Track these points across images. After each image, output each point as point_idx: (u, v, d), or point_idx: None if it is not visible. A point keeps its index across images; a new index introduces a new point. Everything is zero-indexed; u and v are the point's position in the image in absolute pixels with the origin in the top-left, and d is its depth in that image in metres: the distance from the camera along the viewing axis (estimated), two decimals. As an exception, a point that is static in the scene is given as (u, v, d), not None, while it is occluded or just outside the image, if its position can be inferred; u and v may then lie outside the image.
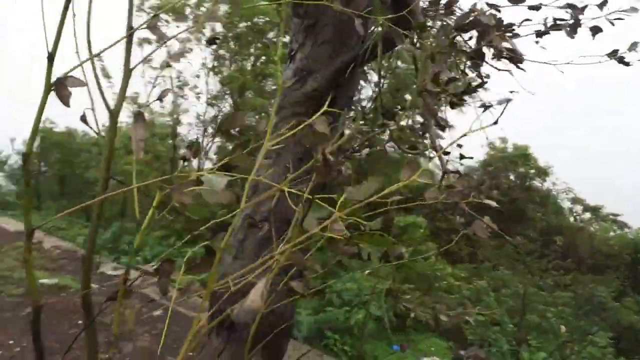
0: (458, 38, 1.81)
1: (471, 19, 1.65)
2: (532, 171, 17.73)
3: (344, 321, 6.87)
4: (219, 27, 13.05)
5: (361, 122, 2.55)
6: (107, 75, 9.90)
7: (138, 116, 1.17)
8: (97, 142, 19.85)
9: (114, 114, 1.24)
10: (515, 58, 1.67)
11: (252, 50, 13.38)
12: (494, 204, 1.31)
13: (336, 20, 1.96)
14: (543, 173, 17.86)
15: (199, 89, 13.99)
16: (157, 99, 1.23)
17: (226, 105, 14.03)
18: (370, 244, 1.04)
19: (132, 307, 1.24)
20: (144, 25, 1.12)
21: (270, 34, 12.76)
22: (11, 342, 4.21)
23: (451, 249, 12.06)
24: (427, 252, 8.97)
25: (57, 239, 9.14)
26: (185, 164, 1.05)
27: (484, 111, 1.43)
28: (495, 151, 18.10)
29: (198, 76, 13.80)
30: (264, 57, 13.04)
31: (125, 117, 15.81)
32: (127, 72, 1.24)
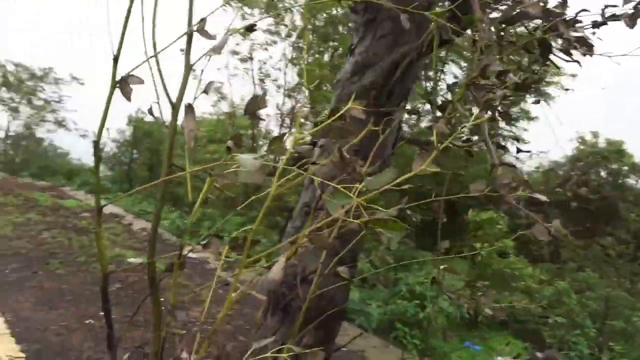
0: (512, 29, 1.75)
1: (518, 11, 1.57)
2: (626, 168, 16.42)
3: (414, 314, 6.81)
4: (298, 20, 13.29)
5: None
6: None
7: (188, 109, 1.25)
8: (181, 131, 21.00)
9: (175, 107, 1.33)
10: (585, 48, 1.57)
11: (330, 42, 13.51)
12: (543, 198, 1.26)
13: (394, 14, 1.95)
14: (639, 170, 16.48)
15: (279, 81, 14.39)
16: (203, 92, 1.33)
17: (302, 97, 14.30)
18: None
19: (208, 288, 1.34)
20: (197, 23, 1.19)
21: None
22: (101, 313, 4.61)
23: (532, 247, 11.50)
24: (504, 249, 8.65)
25: (144, 222, 9.79)
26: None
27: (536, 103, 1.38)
28: (585, 146, 16.95)
29: (279, 68, 14.20)
30: (340, 49, 13.10)
31: (207, 107, 16.59)
32: (188, 67, 1.33)
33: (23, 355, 3.72)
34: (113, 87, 1.13)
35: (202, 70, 1.37)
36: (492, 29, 1.65)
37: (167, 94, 1.30)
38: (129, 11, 1.18)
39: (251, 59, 14.38)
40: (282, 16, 13.27)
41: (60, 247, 6.52)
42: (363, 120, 1.95)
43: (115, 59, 1.15)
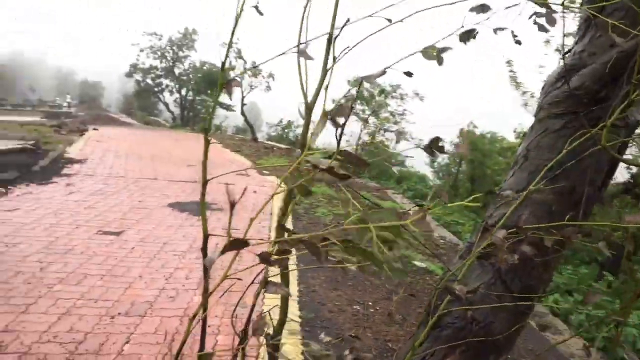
0: None
1: None
2: None
3: None
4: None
5: None
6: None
7: (323, 115, 1.34)
8: (510, 147, 20.45)
9: (308, 107, 1.45)
10: None
11: None
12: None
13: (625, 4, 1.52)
14: None
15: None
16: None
17: None
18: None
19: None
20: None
21: None
22: (370, 302, 5.07)
23: None
24: None
25: (448, 232, 10.05)
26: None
27: None
28: None
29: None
30: None
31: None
32: (324, 72, 1.43)
33: (299, 320, 4.49)
34: (220, 89, 1.34)
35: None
36: None
37: (304, 95, 1.44)
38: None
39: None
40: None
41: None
42: (561, 133, 1.65)
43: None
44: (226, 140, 23.13)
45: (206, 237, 1.39)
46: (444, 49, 1.26)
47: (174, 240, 6.43)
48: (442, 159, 27.93)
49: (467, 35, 1.31)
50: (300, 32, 1.34)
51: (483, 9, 1.36)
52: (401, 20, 1.30)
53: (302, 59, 1.45)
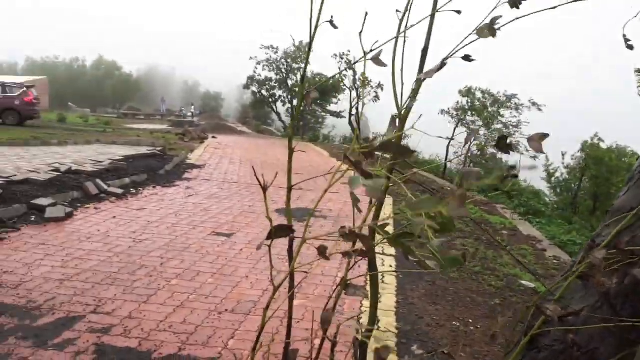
0: None
1: None
2: None
3: None
4: None
5: None
6: None
7: (392, 120, 1.37)
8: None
9: (401, 118, 1.48)
10: None
11: None
12: None
13: None
14: None
15: None
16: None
17: None
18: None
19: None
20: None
21: None
22: (471, 320, 4.89)
23: None
24: None
25: (562, 252, 9.34)
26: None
27: None
28: None
29: None
30: None
31: None
32: (419, 82, 1.45)
33: (396, 331, 4.47)
34: (300, 100, 1.42)
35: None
36: None
37: (397, 103, 1.47)
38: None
39: None
40: None
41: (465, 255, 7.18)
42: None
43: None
44: (333, 150, 23.62)
45: (292, 240, 1.48)
46: (494, 20, 1.18)
47: (279, 245, 6.68)
48: (560, 174, 25.96)
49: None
50: (397, 42, 1.39)
51: None
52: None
53: (397, 71, 1.50)
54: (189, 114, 50.06)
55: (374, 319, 1.59)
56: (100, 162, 10.75)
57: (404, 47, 1.42)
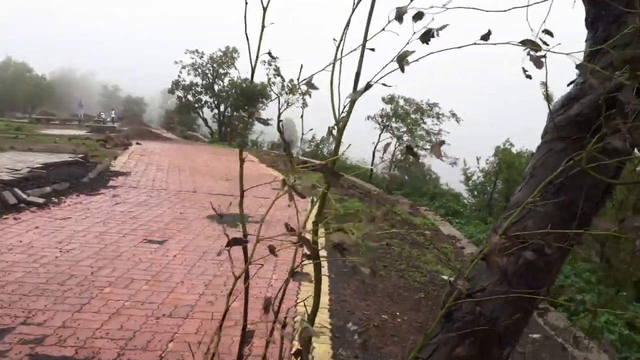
0: None
1: None
2: None
3: None
4: None
5: None
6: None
7: (329, 132, 1.62)
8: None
9: (339, 129, 1.72)
10: None
11: None
12: None
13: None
14: None
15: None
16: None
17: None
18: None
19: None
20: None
21: None
22: (398, 313, 5.25)
23: None
24: None
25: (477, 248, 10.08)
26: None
27: None
28: None
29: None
30: None
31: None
32: (352, 103, 1.70)
33: (329, 327, 4.72)
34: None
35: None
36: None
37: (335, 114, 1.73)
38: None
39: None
40: None
41: (391, 254, 7.61)
42: (562, 154, 1.89)
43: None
44: (262, 156, 23.71)
45: (245, 235, 1.68)
46: (405, 55, 1.46)
47: (213, 250, 6.80)
48: (477, 177, 27.66)
49: (427, 36, 1.51)
50: (335, 59, 1.63)
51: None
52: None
53: (335, 84, 1.74)
54: (109, 119, 48.02)
55: (317, 302, 1.81)
56: (17, 170, 10.17)
57: (340, 68, 1.66)
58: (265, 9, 1.60)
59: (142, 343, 3.96)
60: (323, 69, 1.60)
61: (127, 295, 4.91)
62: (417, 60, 1.36)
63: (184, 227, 8.05)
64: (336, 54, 1.56)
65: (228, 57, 41.04)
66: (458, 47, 1.38)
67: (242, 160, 1.82)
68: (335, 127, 1.69)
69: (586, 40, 1.94)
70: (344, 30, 1.56)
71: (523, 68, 1.78)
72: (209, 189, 12.25)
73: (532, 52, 1.47)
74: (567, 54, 1.56)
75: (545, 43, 1.47)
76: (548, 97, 2.72)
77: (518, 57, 1.56)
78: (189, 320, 4.49)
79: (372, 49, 1.58)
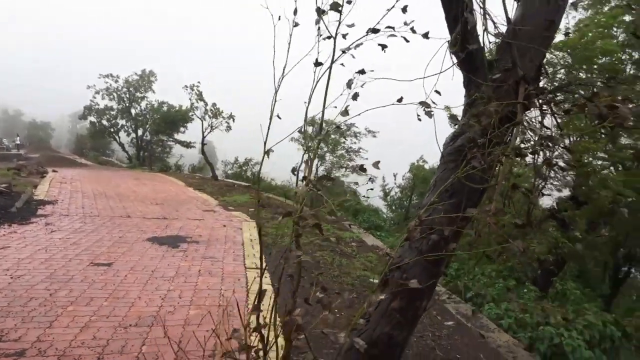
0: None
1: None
2: None
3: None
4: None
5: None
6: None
7: (322, 178, 2.46)
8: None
9: (267, 154, 2.55)
10: None
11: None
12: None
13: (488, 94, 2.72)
14: None
15: None
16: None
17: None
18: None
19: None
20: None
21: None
22: (335, 310, 6.08)
23: None
24: None
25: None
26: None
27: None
28: None
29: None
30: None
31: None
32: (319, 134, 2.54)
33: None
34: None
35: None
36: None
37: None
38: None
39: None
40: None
41: (324, 264, 8.48)
42: (453, 171, 2.85)
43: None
44: (188, 179, 23.83)
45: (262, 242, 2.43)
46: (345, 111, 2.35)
47: (161, 269, 7.27)
48: (395, 192, 29.45)
49: (355, 96, 2.43)
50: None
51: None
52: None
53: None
54: (12, 145, 45.31)
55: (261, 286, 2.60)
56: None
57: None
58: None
59: (118, 348, 4.47)
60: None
61: (91, 312, 5.33)
62: (355, 116, 2.22)
63: (127, 249, 8.40)
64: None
65: (145, 80, 40.52)
66: (383, 106, 2.27)
67: (259, 195, 2.57)
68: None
69: (464, 96, 2.94)
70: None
71: (418, 115, 2.71)
72: (141, 213, 12.47)
73: (425, 109, 2.41)
74: (447, 108, 2.52)
75: (433, 102, 2.41)
76: (436, 135, 3.71)
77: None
78: (154, 327, 5.03)
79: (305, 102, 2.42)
